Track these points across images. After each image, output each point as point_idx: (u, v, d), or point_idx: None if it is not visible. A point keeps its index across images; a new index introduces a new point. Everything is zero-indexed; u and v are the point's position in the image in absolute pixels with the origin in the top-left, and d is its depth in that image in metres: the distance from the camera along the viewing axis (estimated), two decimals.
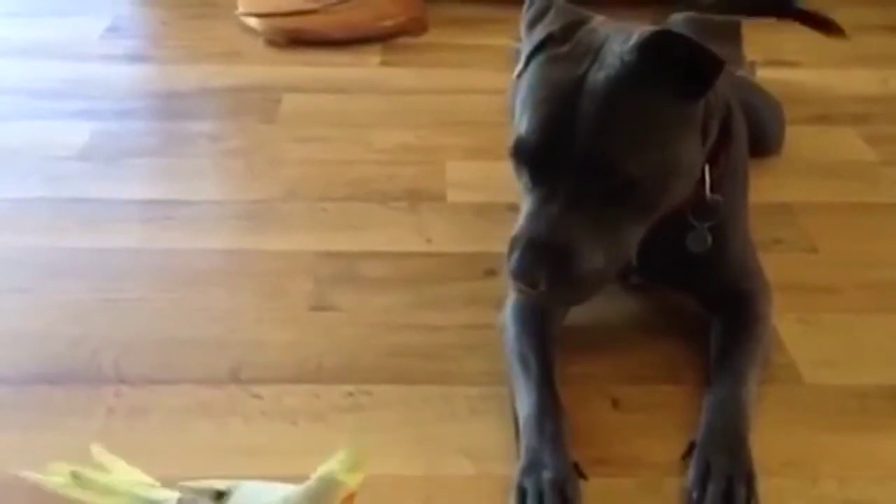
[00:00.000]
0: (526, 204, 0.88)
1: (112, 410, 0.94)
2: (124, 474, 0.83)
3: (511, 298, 1.01)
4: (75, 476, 0.81)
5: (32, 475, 0.83)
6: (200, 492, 0.77)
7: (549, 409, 0.90)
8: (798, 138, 1.46)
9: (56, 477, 0.82)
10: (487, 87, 1.58)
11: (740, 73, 1.50)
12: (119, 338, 1.04)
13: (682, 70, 0.85)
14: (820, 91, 1.67)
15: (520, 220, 0.87)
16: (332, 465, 0.73)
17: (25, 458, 0.88)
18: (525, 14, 0.96)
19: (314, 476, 0.73)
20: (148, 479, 0.82)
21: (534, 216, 0.86)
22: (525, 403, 0.91)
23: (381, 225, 1.27)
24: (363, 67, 1.76)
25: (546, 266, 0.83)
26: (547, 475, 0.83)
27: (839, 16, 2.02)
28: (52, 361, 1.01)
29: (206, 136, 1.49)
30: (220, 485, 0.78)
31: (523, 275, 0.84)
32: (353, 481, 0.72)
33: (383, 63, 1.78)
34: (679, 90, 0.86)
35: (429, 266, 1.18)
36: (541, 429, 0.88)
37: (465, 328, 1.07)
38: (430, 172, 1.39)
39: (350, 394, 0.97)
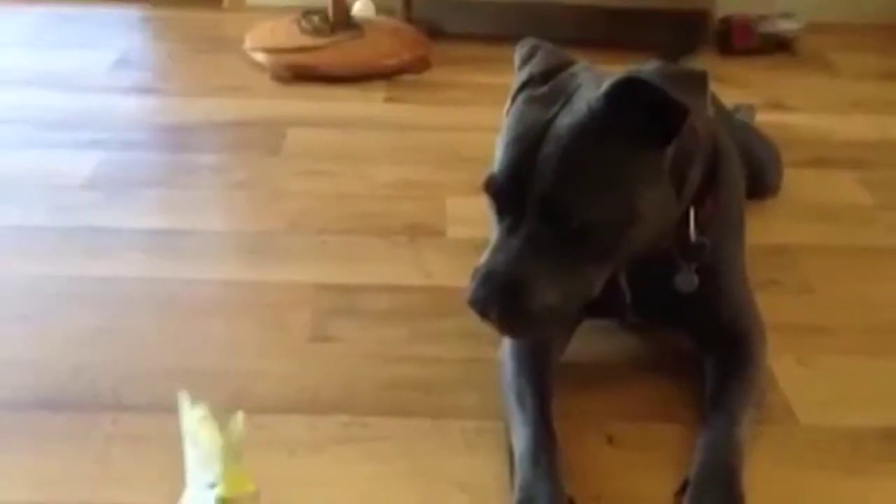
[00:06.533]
0: (493, 237, 0.90)
1: (110, 438, 0.95)
2: (227, 439, 0.83)
3: None
4: (203, 418, 0.81)
5: (184, 398, 0.83)
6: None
7: (545, 444, 0.90)
8: (795, 181, 1.48)
9: (194, 411, 0.83)
10: (489, 125, 1.57)
11: (739, 116, 1.53)
12: (119, 366, 1.05)
13: (648, 117, 0.86)
14: (818, 135, 1.69)
15: (485, 252, 0.89)
16: None
17: (24, 484, 0.89)
18: (516, 54, 0.99)
19: None
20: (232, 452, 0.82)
21: (496, 250, 0.89)
22: (520, 438, 0.92)
23: (381, 258, 1.28)
24: (367, 103, 1.78)
25: (498, 298, 0.86)
26: None
27: (839, 62, 2.06)
28: (52, 388, 1.02)
29: (210, 169, 1.51)
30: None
31: (476, 304, 0.87)
32: None
33: (387, 99, 1.80)
34: (645, 137, 0.87)
35: (428, 300, 1.19)
36: (535, 463, 0.88)
37: (463, 362, 1.07)
38: (431, 208, 1.41)
39: (347, 425, 0.98)
